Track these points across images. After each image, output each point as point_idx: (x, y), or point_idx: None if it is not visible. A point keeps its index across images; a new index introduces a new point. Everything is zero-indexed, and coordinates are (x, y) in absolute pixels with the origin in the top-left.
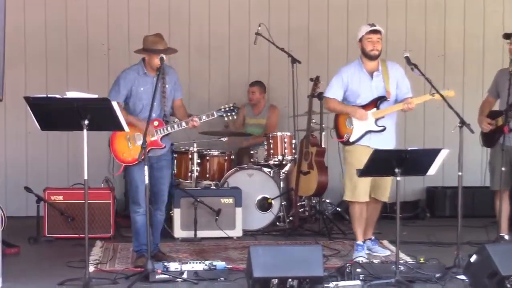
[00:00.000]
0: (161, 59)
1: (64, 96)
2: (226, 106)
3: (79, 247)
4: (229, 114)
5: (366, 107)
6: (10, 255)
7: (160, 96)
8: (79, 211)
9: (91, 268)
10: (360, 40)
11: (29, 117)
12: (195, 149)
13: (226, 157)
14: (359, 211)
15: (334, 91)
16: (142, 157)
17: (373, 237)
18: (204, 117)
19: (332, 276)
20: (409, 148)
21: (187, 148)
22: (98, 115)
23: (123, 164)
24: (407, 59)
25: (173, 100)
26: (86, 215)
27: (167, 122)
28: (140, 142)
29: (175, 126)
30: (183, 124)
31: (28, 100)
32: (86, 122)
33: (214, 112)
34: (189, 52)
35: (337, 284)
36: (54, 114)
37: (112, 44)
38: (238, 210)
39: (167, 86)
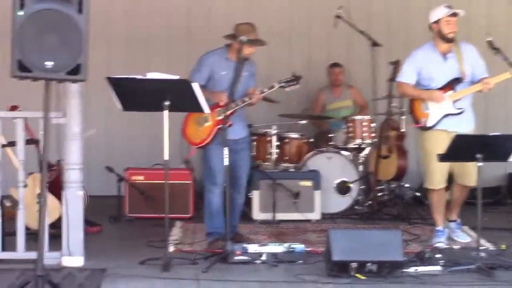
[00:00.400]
0: (250, 51)
1: (145, 77)
2: (287, 77)
3: (159, 227)
4: (290, 84)
5: (442, 90)
6: (92, 234)
7: (235, 82)
8: (159, 191)
9: (171, 248)
10: (437, 22)
11: (110, 97)
12: (274, 132)
13: (305, 140)
14: (437, 197)
15: (407, 76)
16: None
17: (458, 220)
18: (265, 90)
19: (412, 261)
20: (491, 134)
21: (266, 130)
22: (179, 96)
23: (194, 147)
24: (490, 43)
25: (247, 88)
26: (166, 195)
27: (233, 101)
28: (207, 123)
29: (239, 102)
30: (246, 99)
31: (111, 80)
32: (167, 103)
33: (275, 84)
34: (268, 36)
35: (417, 269)
36: (135, 95)
37: (192, 26)
38: (317, 193)
39: (244, 73)
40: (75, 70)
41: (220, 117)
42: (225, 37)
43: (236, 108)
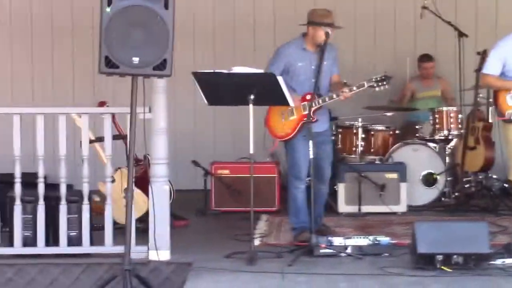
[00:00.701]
0: (327, 34)
1: (230, 71)
2: (378, 76)
3: (245, 220)
4: (380, 84)
5: None
6: (179, 228)
7: (317, 72)
8: (245, 185)
9: (257, 242)
10: None
11: (196, 92)
12: (360, 124)
13: (391, 132)
14: None
15: (492, 67)
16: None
17: None
18: (354, 88)
19: (499, 253)
20: None
21: (352, 123)
22: (263, 90)
23: (277, 140)
24: None
25: (330, 76)
26: (252, 189)
27: (319, 96)
28: (292, 117)
29: (326, 99)
30: (334, 96)
31: (196, 75)
32: (252, 96)
33: (365, 83)
34: (354, 26)
35: (504, 262)
36: (220, 89)
37: (277, 17)
38: (403, 185)
39: (325, 62)
40: (161, 66)
41: (306, 112)
42: (302, 24)
43: (323, 104)
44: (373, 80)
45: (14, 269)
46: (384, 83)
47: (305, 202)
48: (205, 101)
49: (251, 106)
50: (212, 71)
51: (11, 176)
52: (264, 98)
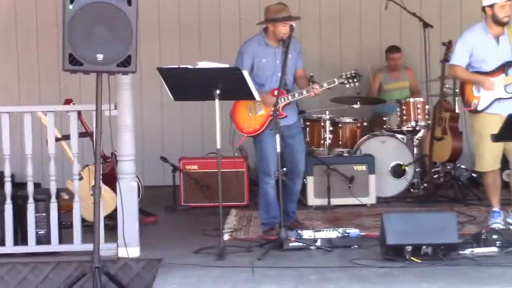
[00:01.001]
0: (291, 27)
1: (196, 67)
2: (348, 73)
3: (214, 215)
4: (350, 81)
5: (493, 73)
6: (148, 224)
7: (282, 67)
8: (214, 180)
9: (226, 237)
10: (491, 6)
11: (163, 88)
12: (328, 117)
13: (359, 124)
14: (491, 179)
15: (459, 58)
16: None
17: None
18: (325, 85)
19: (468, 243)
20: None
21: (319, 115)
22: (229, 85)
23: (244, 135)
24: None
25: (295, 70)
26: (219, 184)
27: (288, 91)
28: (261, 112)
29: (296, 94)
30: (304, 92)
31: (162, 71)
32: (218, 91)
33: (335, 79)
34: (319, 20)
35: (473, 251)
36: (186, 84)
37: (243, 14)
38: (372, 177)
39: (289, 55)
40: (126, 62)
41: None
42: (259, 23)
43: (292, 100)
44: (343, 77)
45: None
46: (355, 80)
47: (275, 198)
48: (171, 97)
49: (217, 101)
50: (177, 66)
51: None
52: (230, 93)
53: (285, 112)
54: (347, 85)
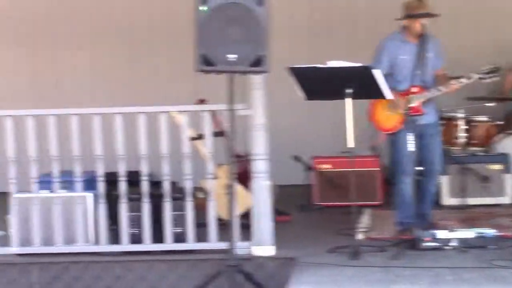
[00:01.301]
0: (423, 26)
1: (326, 66)
2: (487, 68)
3: (348, 215)
4: (488, 76)
5: None
6: (282, 223)
7: (420, 64)
8: (347, 179)
9: (360, 236)
10: None
11: (292, 87)
12: (462, 115)
13: (493, 123)
14: None
15: None
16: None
17: None
18: (463, 80)
19: None
20: None
21: (453, 114)
22: (360, 83)
23: (383, 133)
24: None
25: (434, 70)
26: (352, 183)
27: (426, 88)
28: (399, 110)
29: (434, 91)
30: (441, 88)
31: (293, 70)
32: (350, 90)
33: (473, 74)
34: (456, 18)
35: None
36: (318, 84)
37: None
38: (507, 176)
39: (428, 54)
40: (258, 62)
41: (413, 105)
42: (398, 19)
43: (431, 97)
44: (483, 71)
45: (122, 265)
46: (494, 74)
47: (412, 197)
48: (303, 96)
49: (348, 100)
50: (307, 65)
51: (114, 175)
52: (362, 92)
53: (425, 109)
54: (488, 80)
